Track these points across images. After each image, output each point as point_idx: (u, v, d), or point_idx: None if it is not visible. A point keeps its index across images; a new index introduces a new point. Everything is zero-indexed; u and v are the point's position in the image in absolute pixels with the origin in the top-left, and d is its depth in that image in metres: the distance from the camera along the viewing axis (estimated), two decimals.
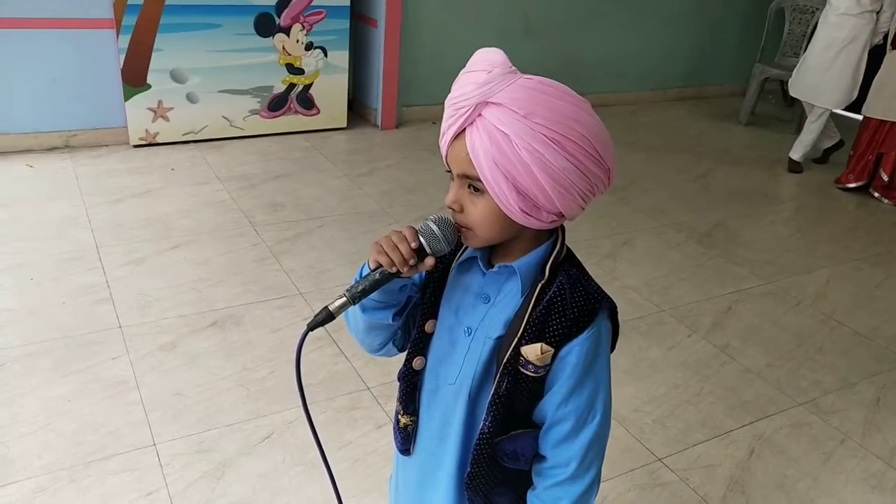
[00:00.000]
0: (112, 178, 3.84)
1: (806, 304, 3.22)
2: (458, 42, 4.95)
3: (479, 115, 0.89)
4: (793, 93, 4.93)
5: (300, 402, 0.99)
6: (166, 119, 4.27)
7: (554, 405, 1.00)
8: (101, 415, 2.18)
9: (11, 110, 3.93)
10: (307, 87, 4.64)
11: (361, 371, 2.47)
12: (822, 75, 4.67)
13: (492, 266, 1.03)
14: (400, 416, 1.15)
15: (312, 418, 1.02)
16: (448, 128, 0.93)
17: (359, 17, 4.89)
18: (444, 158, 0.97)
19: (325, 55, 4.61)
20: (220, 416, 2.22)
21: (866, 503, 2.13)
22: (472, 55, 0.94)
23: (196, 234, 3.33)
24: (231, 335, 2.62)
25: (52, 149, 4.10)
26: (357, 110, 5.20)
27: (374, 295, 0.99)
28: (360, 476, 2.04)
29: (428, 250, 0.96)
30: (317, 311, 0.97)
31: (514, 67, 0.92)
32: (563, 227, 1.02)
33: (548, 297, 0.98)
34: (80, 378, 2.33)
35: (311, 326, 0.96)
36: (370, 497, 1.97)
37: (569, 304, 0.97)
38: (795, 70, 4.89)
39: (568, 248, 1.03)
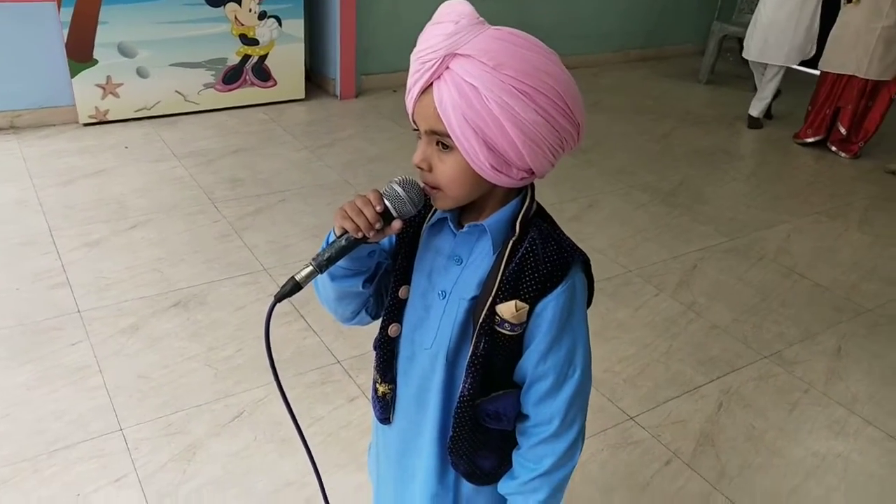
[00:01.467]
0: (62, 158, 3.70)
1: (768, 258, 3.27)
2: (415, 7, 4.84)
3: (447, 67, 0.86)
4: (746, 55, 4.94)
5: (272, 377, 0.97)
6: (116, 95, 4.11)
7: (533, 362, 0.99)
8: (63, 402, 2.12)
9: None
10: (262, 58, 4.51)
11: (331, 345, 2.44)
12: (777, 32, 4.69)
13: (462, 227, 1.00)
14: (378, 385, 1.14)
15: (285, 391, 0.99)
16: (414, 83, 0.90)
17: None
18: (410, 116, 0.94)
19: (280, 24, 4.48)
20: (188, 397, 2.18)
21: (830, 449, 2.19)
22: (429, 17, 0.90)
23: (154, 212, 3.23)
24: (195, 314, 2.56)
25: None
26: (315, 80, 5.09)
27: (342, 262, 0.97)
28: (334, 450, 2.02)
29: (394, 213, 0.94)
30: (283, 283, 0.94)
31: (481, 18, 0.89)
32: (532, 184, 1.00)
33: (520, 254, 0.96)
34: (40, 365, 2.26)
35: (279, 297, 0.94)
36: (345, 470, 1.96)
37: (541, 259, 0.95)
38: (748, 33, 4.89)
39: (538, 204, 1.02)
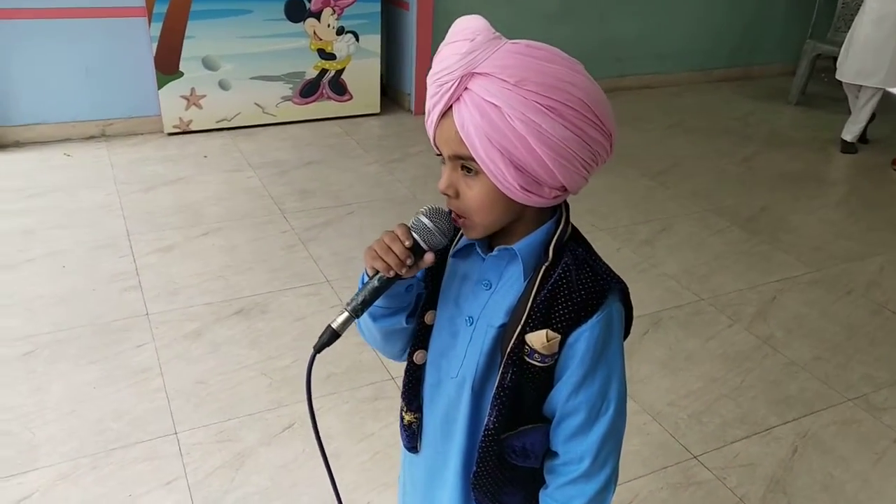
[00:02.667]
0: (146, 165, 3.86)
1: (857, 293, 3.05)
2: (492, 24, 4.82)
3: (466, 88, 0.82)
4: (840, 76, 4.67)
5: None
6: (199, 107, 4.27)
7: (564, 396, 0.93)
8: (125, 402, 2.18)
9: (48, 100, 3.99)
10: (339, 72, 4.59)
11: (386, 360, 2.41)
12: (873, 53, 4.41)
13: (491, 250, 0.96)
14: (404, 413, 1.10)
15: (320, 433, 0.98)
16: (433, 106, 0.86)
17: (390, 1, 4.81)
18: (432, 141, 0.90)
19: (357, 40, 4.55)
20: (242, 405, 2.20)
21: None
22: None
23: (226, 221, 3.32)
24: (256, 323, 2.59)
25: (90, 138, 4.15)
26: (391, 95, 5.14)
27: (379, 302, 0.94)
28: (381, 469, 1.99)
29: (424, 246, 0.90)
30: (321, 331, 0.92)
31: (497, 33, 0.84)
32: (566, 204, 0.95)
33: (552, 281, 0.91)
34: (106, 365, 2.33)
35: (318, 348, 0.92)
36: (390, 490, 1.92)
37: (575, 286, 0.90)
38: (842, 52, 4.62)
39: (573, 227, 0.96)
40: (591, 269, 0.92)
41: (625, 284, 0.95)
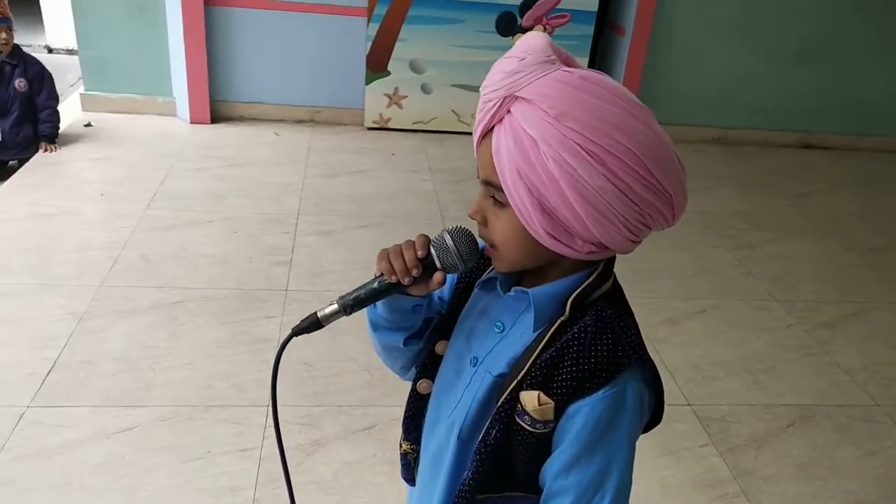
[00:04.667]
0: (337, 153, 4.13)
1: None
2: (714, 58, 4.47)
3: (508, 111, 0.76)
4: None
5: (275, 397, 0.93)
6: (400, 106, 4.48)
7: (553, 472, 0.82)
8: (236, 366, 2.34)
9: (271, 83, 4.43)
10: None
11: None
12: None
13: (511, 289, 0.88)
14: (402, 441, 1.05)
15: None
16: (477, 123, 0.81)
17: (606, 24, 4.67)
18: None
19: None
20: (335, 395, 2.25)
21: None
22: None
23: (388, 217, 3.43)
24: None
25: (300, 121, 4.54)
26: None
27: (384, 312, 0.92)
28: None
29: (437, 264, 0.85)
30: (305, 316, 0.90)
31: (554, 56, 0.76)
32: (612, 256, 0.85)
33: (564, 339, 0.81)
34: (234, 329, 2.51)
35: (296, 332, 0.90)
36: None
37: (587, 351, 0.80)
38: None
39: (616, 285, 0.86)
40: (612, 337, 0.81)
41: (652, 364, 0.82)
